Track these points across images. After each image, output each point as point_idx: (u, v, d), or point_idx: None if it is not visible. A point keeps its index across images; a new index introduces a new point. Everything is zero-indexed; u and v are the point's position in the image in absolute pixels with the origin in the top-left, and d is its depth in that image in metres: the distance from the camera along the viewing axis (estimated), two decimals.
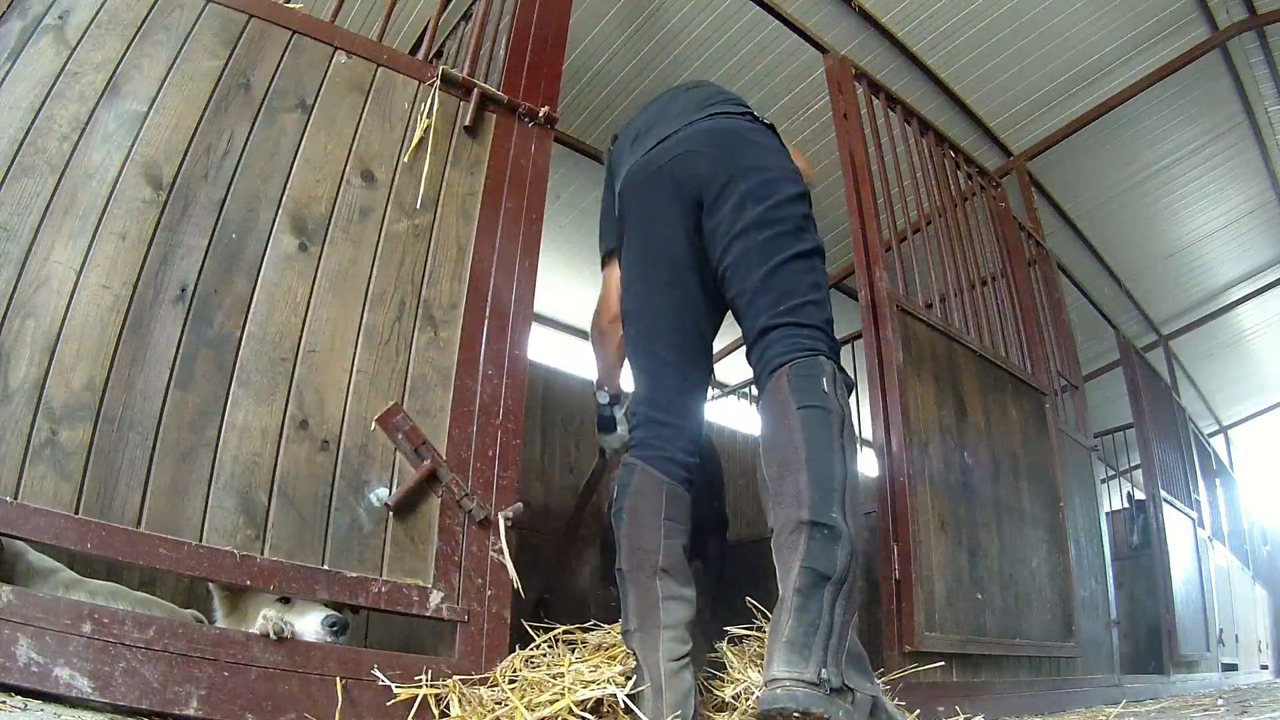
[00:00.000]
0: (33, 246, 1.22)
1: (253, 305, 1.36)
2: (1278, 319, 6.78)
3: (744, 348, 1.50)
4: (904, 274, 2.57)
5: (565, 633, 1.46)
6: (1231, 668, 4.86)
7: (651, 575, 1.39)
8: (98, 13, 1.39)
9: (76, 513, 1.13)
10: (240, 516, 1.24)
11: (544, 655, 1.39)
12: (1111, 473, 6.32)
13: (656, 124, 1.69)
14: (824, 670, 1.10)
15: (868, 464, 2.66)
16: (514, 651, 1.39)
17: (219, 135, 1.42)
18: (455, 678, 1.28)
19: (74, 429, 1.17)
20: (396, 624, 1.84)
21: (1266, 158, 4.79)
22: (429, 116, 1.63)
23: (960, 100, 4.12)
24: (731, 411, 6.20)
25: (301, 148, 1.50)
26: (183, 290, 1.31)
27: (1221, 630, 4.74)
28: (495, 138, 1.73)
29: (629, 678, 1.27)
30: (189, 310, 1.30)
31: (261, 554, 1.24)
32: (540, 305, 4.76)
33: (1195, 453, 5.47)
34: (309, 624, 1.26)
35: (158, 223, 1.32)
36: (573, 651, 1.40)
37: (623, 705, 1.22)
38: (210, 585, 1.31)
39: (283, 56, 1.53)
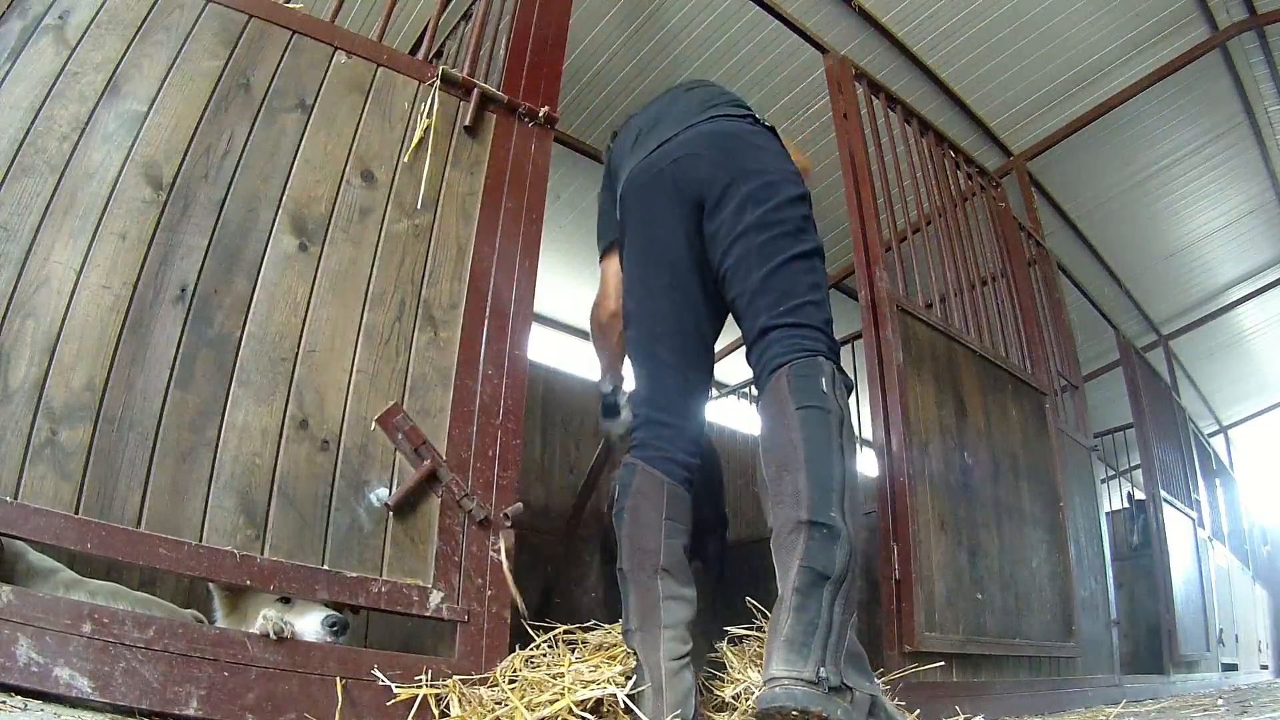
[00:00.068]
0: (33, 246, 1.22)
1: (253, 305, 1.36)
2: (1278, 319, 6.78)
3: (744, 348, 1.51)
4: (904, 274, 2.57)
5: (565, 633, 1.46)
6: (1231, 668, 4.86)
7: (652, 575, 1.39)
8: (98, 13, 1.39)
9: (76, 513, 1.13)
10: (240, 516, 1.24)
11: (544, 655, 1.39)
12: (1111, 473, 6.31)
13: (657, 125, 1.69)
14: (823, 669, 1.10)
15: (868, 464, 2.66)
16: (514, 651, 1.39)
17: (219, 135, 1.42)
18: (455, 678, 1.28)
19: (74, 429, 1.17)
20: (396, 624, 1.84)
21: (1266, 158, 4.79)
22: (429, 116, 1.63)
23: (960, 100, 4.12)
24: (731, 411, 6.20)
25: (301, 148, 1.50)
26: (183, 290, 1.31)
27: (1221, 630, 4.74)
28: (495, 138, 1.73)
29: (629, 677, 1.27)
30: (189, 310, 1.30)
31: (261, 554, 1.24)
32: (540, 305, 4.76)
33: (1195, 453, 5.47)
34: (309, 624, 1.26)
35: (158, 223, 1.32)
36: (573, 651, 1.40)
37: (623, 705, 1.22)
38: (210, 585, 1.31)
39: (283, 56, 1.53)
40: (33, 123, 1.28)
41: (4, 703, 0.95)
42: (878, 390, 2.25)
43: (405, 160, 1.60)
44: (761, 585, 1.59)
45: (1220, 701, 2.55)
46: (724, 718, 1.44)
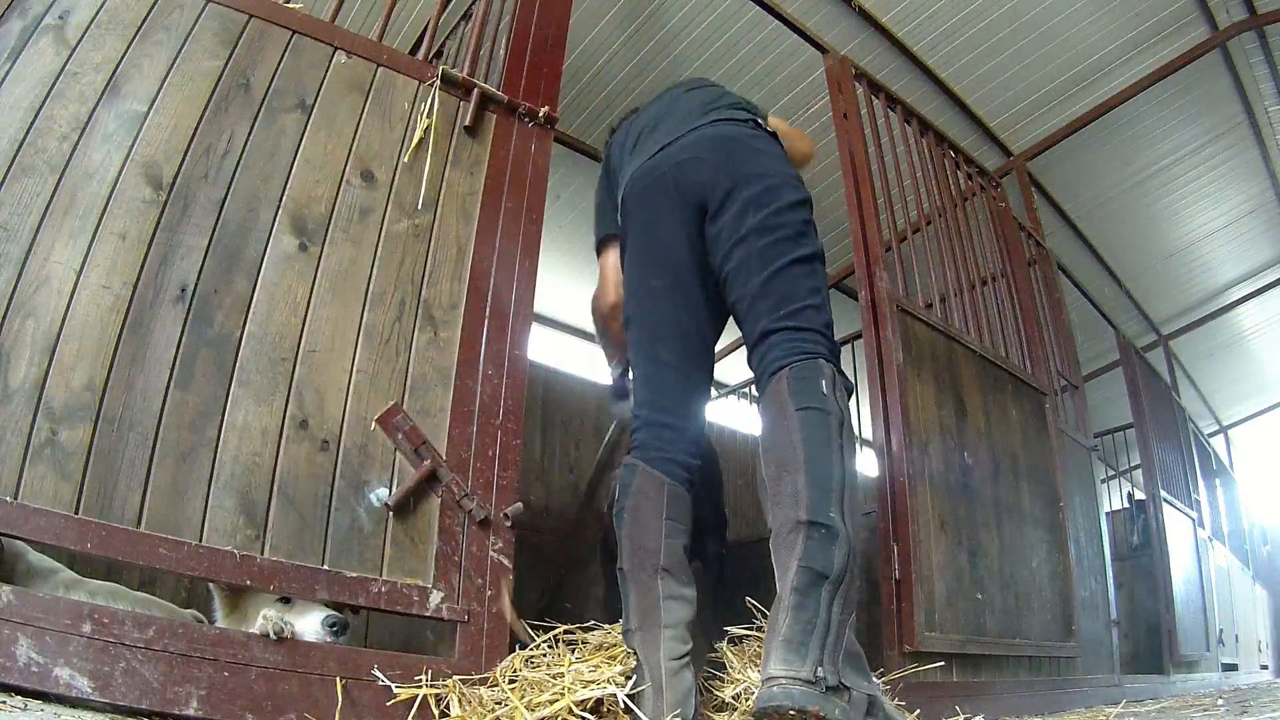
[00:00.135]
0: (33, 246, 1.22)
1: (253, 305, 1.36)
2: (1278, 319, 6.78)
3: (743, 348, 1.52)
4: (904, 274, 2.57)
5: (565, 633, 1.46)
6: (1231, 668, 4.86)
7: (653, 575, 1.39)
8: (98, 13, 1.39)
9: (76, 513, 1.13)
10: (240, 516, 1.24)
11: (544, 655, 1.39)
12: (1111, 473, 6.31)
13: (659, 127, 1.70)
14: (820, 668, 1.10)
15: (868, 464, 2.66)
16: (514, 651, 1.39)
17: (219, 135, 1.42)
18: (455, 678, 1.28)
19: (74, 429, 1.17)
20: (397, 624, 1.84)
21: (1266, 158, 4.79)
22: (429, 116, 1.63)
23: (960, 100, 4.12)
24: (731, 411, 6.20)
25: (301, 148, 1.50)
26: (183, 290, 1.31)
27: (1221, 630, 4.74)
28: (495, 138, 1.74)
29: (629, 677, 1.27)
30: (189, 310, 1.30)
31: (261, 554, 1.24)
32: (540, 305, 4.77)
33: (1195, 453, 5.47)
34: (309, 624, 1.26)
35: (158, 223, 1.32)
36: (573, 651, 1.40)
37: (623, 705, 1.22)
38: (210, 585, 1.31)
39: (283, 56, 1.53)
40: (33, 123, 1.28)
41: (4, 703, 0.95)
42: (878, 390, 2.25)
43: (405, 160, 1.60)
44: (761, 585, 1.59)
45: (1220, 701, 2.55)
46: (724, 718, 1.44)
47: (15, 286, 1.19)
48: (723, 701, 1.48)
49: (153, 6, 1.44)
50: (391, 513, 1.36)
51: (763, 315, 1.44)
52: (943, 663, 2.00)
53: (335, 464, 1.35)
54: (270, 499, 1.27)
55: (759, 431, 1.44)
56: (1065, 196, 4.93)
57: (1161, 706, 2.37)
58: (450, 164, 1.66)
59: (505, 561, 1.44)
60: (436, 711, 1.22)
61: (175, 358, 1.27)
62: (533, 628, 1.45)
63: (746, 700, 1.45)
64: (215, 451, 1.26)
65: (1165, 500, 4.25)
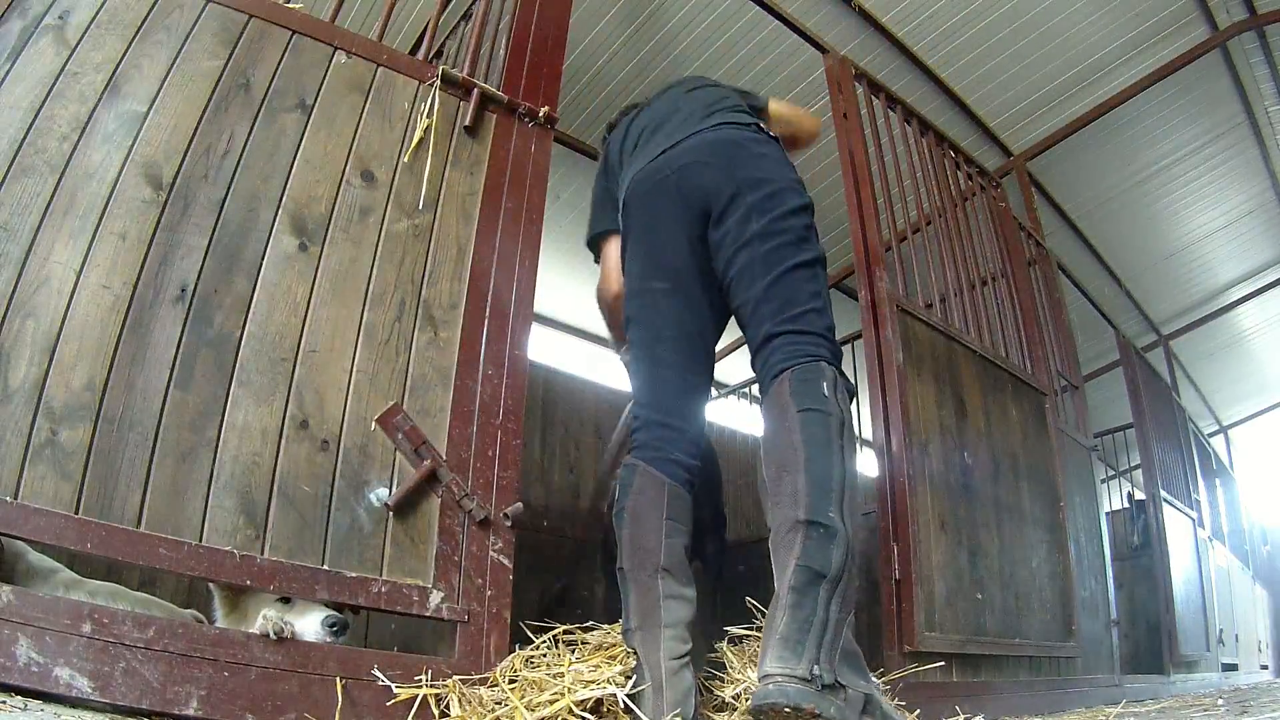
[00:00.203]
0: (33, 246, 1.22)
1: (253, 305, 1.36)
2: (1278, 319, 6.78)
3: (743, 348, 1.53)
4: (904, 274, 2.57)
5: (565, 633, 1.46)
6: (1231, 668, 4.86)
7: (653, 574, 1.39)
8: (98, 13, 1.39)
9: (76, 513, 1.13)
10: (240, 516, 1.24)
11: (544, 655, 1.39)
12: (1111, 473, 6.31)
13: (661, 128, 1.70)
14: (816, 666, 1.11)
15: (868, 464, 2.66)
16: (514, 651, 1.39)
17: (219, 135, 1.42)
18: (455, 678, 1.28)
19: (74, 429, 1.17)
20: (397, 624, 1.84)
21: (1266, 158, 4.79)
22: (429, 116, 1.63)
23: (960, 100, 4.12)
24: (731, 411, 6.20)
25: (301, 148, 1.50)
26: (183, 290, 1.31)
27: (1221, 630, 4.74)
28: (495, 138, 1.74)
29: (629, 677, 1.27)
30: (189, 310, 1.30)
31: (261, 554, 1.24)
32: (540, 305, 4.76)
33: (1195, 453, 5.47)
34: (309, 624, 1.26)
35: (158, 223, 1.32)
36: (573, 651, 1.40)
37: (623, 705, 1.22)
38: (210, 585, 1.32)
39: (283, 56, 1.53)
40: (33, 123, 1.28)
41: (4, 703, 0.95)
42: (878, 390, 2.25)
43: (405, 160, 1.60)
44: (761, 585, 1.59)
45: (1220, 701, 2.55)
46: (724, 718, 1.44)
47: (15, 286, 1.19)
48: (723, 701, 1.48)
49: (153, 6, 1.44)
50: (391, 513, 1.36)
51: (766, 319, 1.45)
52: (943, 663, 2.00)
53: (335, 464, 1.35)
54: (270, 499, 1.27)
55: (761, 433, 1.44)
56: (1065, 196, 4.93)
57: (1161, 706, 2.37)
58: (450, 164, 1.66)
59: (505, 561, 1.44)
60: (436, 711, 1.22)
61: (175, 358, 1.27)
62: (533, 628, 1.45)
63: (746, 700, 1.45)
64: (215, 451, 1.26)
65: (1165, 500, 4.25)
